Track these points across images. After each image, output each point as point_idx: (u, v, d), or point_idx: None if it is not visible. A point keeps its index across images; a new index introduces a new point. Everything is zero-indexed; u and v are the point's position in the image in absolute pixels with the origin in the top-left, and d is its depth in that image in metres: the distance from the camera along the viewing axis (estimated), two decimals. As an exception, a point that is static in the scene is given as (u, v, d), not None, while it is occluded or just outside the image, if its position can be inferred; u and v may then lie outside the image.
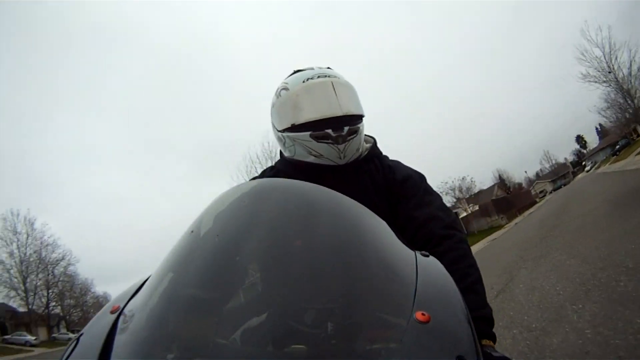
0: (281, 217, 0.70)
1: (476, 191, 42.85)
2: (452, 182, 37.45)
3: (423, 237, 1.04)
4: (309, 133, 1.08)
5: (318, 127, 1.07)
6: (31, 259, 32.36)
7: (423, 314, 0.54)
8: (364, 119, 1.16)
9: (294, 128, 1.10)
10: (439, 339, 0.53)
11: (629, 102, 22.43)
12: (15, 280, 31.37)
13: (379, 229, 0.77)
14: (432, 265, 0.72)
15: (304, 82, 1.10)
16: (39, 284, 32.92)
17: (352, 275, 0.60)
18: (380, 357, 0.50)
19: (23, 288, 31.76)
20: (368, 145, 1.26)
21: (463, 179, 37.70)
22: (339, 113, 1.06)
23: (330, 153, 1.10)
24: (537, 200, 50.79)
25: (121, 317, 0.64)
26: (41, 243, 32.76)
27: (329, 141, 1.08)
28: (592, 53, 22.03)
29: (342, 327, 0.52)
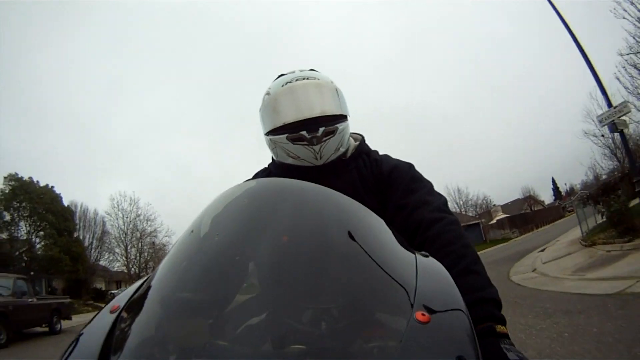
0: (280, 217, 0.70)
1: (498, 205, 49.03)
2: (475, 199, 44.85)
3: (413, 223, 1.01)
4: (285, 135, 1.10)
5: (293, 130, 1.09)
6: (132, 232, 40.60)
7: (423, 314, 0.54)
8: (347, 118, 1.17)
9: (273, 131, 1.13)
10: (439, 339, 0.53)
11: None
12: (117, 247, 38.96)
13: (379, 229, 0.77)
14: (432, 265, 0.73)
15: (282, 86, 1.12)
16: (133, 251, 42.25)
17: (352, 275, 0.60)
18: (380, 357, 0.49)
19: (123, 254, 41.29)
20: (356, 143, 1.27)
21: (484, 198, 45.11)
22: (312, 114, 1.07)
23: (306, 154, 1.11)
24: (566, 215, 53.71)
25: (121, 317, 0.64)
26: (142, 219, 40.49)
27: (304, 143, 1.09)
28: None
29: (341, 327, 0.52)
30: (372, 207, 0.92)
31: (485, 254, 20.70)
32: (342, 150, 1.17)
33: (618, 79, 11.87)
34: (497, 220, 42.91)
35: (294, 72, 1.18)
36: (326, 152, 1.12)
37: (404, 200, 1.07)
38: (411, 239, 0.97)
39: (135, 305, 0.65)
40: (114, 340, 0.58)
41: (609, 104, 8.70)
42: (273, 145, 1.17)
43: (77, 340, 0.64)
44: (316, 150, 1.10)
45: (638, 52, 10.78)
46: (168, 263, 0.69)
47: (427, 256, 0.76)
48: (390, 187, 1.13)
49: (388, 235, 0.77)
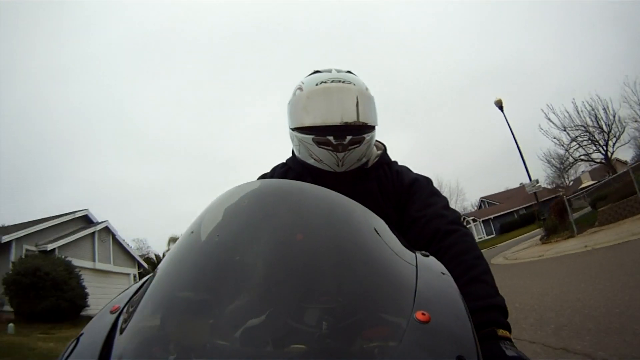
0: (281, 217, 0.71)
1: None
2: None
3: (428, 234, 1.03)
4: (312, 137, 1.10)
5: (321, 133, 1.08)
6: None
7: (423, 314, 0.54)
8: (375, 128, 1.16)
9: (300, 129, 1.12)
10: (439, 339, 0.53)
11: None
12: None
13: (380, 229, 0.77)
14: (432, 265, 0.73)
15: (317, 85, 1.11)
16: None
17: (352, 275, 0.61)
18: (380, 356, 0.50)
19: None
20: (379, 152, 1.28)
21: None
22: (342, 121, 1.06)
23: (329, 159, 1.12)
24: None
25: (121, 317, 0.64)
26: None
27: (329, 148, 1.09)
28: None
29: (342, 326, 0.53)
30: (390, 216, 0.98)
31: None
32: (364, 160, 1.18)
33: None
34: (574, 193, 46.89)
35: (330, 71, 1.16)
36: (349, 160, 1.12)
37: (421, 212, 1.09)
38: (425, 248, 0.97)
39: (135, 305, 0.64)
40: (114, 340, 0.59)
41: (530, 179, 18.16)
42: (297, 142, 1.17)
43: (77, 340, 0.64)
44: (339, 158, 1.10)
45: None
46: (168, 263, 0.69)
47: (427, 256, 0.77)
48: (409, 199, 1.15)
49: (388, 235, 0.77)
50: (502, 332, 0.80)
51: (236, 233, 0.68)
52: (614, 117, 19.46)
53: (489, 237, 39.48)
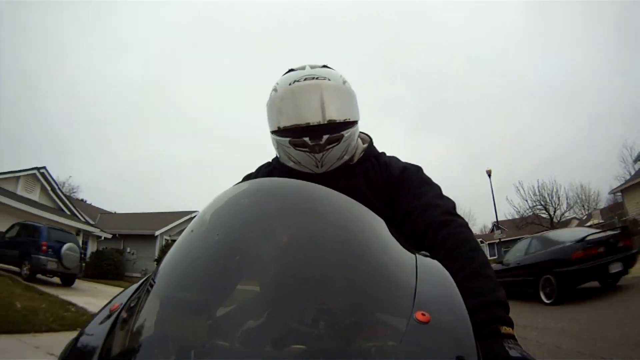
0: (280, 216, 0.71)
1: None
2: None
3: (422, 226, 0.99)
4: (288, 139, 1.06)
5: (297, 134, 1.04)
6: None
7: (423, 314, 0.54)
8: (357, 123, 1.12)
9: (277, 132, 1.08)
10: (439, 339, 0.53)
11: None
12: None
13: (379, 229, 0.77)
14: (432, 265, 0.73)
15: (290, 84, 1.06)
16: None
17: (352, 275, 0.61)
18: (380, 357, 0.50)
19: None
20: (365, 145, 1.24)
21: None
22: (316, 121, 1.02)
23: (307, 161, 1.08)
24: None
25: (121, 317, 0.64)
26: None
27: (306, 149, 1.05)
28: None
29: (342, 327, 0.53)
30: (379, 210, 0.93)
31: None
32: (346, 158, 1.13)
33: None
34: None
35: (304, 68, 1.12)
36: (328, 160, 1.08)
37: (413, 203, 1.05)
38: (420, 242, 0.96)
39: (135, 304, 0.64)
40: (114, 339, 0.59)
41: (498, 228, 25.90)
42: (276, 145, 1.13)
43: (77, 339, 0.64)
44: (317, 159, 1.06)
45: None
46: (168, 263, 0.69)
47: (427, 256, 0.77)
48: (399, 190, 1.11)
49: (388, 235, 0.77)
50: (505, 329, 0.75)
51: (236, 232, 0.68)
52: (559, 199, 30.53)
53: (491, 258, 45.56)
